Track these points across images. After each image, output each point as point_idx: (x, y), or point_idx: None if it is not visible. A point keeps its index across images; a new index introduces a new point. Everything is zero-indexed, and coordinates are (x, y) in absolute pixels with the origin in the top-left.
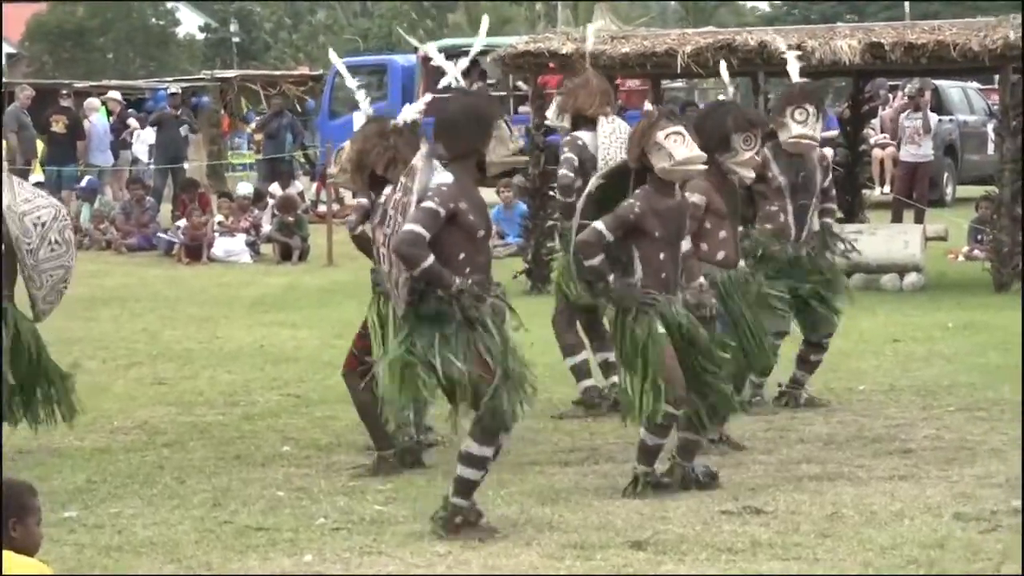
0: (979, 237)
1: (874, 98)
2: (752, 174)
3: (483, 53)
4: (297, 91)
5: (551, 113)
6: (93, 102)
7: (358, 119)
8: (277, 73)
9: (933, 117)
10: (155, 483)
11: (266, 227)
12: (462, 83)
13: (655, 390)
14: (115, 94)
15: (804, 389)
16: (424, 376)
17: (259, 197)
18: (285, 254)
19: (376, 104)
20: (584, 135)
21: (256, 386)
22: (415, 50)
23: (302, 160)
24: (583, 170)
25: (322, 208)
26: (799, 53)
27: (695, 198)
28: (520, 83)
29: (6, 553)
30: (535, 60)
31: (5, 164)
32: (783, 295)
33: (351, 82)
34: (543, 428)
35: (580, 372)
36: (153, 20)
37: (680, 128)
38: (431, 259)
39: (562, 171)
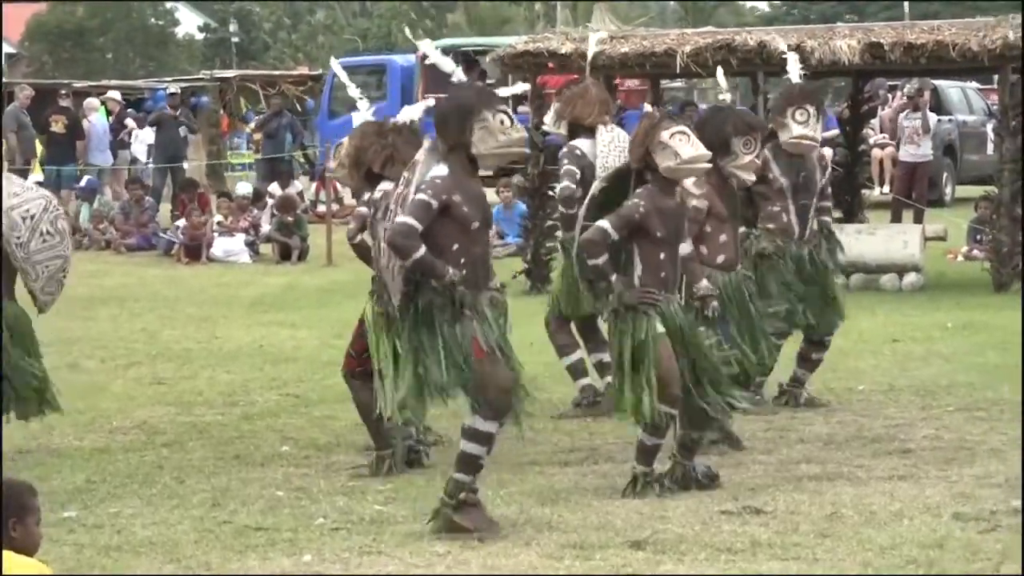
0: (978, 237)
1: (873, 98)
2: (752, 177)
3: (483, 53)
4: (296, 91)
5: (548, 119)
6: (92, 102)
7: (357, 119)
8: (276, 73)
9: (932, 117)
10: (154, 483)
11: (265, 227)
12: (463, 79)
13: (651, 388)
14: (114, 94)
15: (804, 388)
16: (429, 375)
17: (258, 197)
18: (284, 254)
19: (375, 104)
20: (583, 144)
21: (255, 386)
22: (415, 50)
23: (301, 160)
24: (583, 179)
25: (321, 208)
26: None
27: (697, 202)
28: (520, 83)
29: (6, 553)
30: (534, 60)
31: (5, 164)
32: (780, 311)
33: (353, 91)
34: (543, 428)
35: (576, 371)
36: (152, 20)
37: (684, 127)
38: (423, 250)
39: (564, 183)
